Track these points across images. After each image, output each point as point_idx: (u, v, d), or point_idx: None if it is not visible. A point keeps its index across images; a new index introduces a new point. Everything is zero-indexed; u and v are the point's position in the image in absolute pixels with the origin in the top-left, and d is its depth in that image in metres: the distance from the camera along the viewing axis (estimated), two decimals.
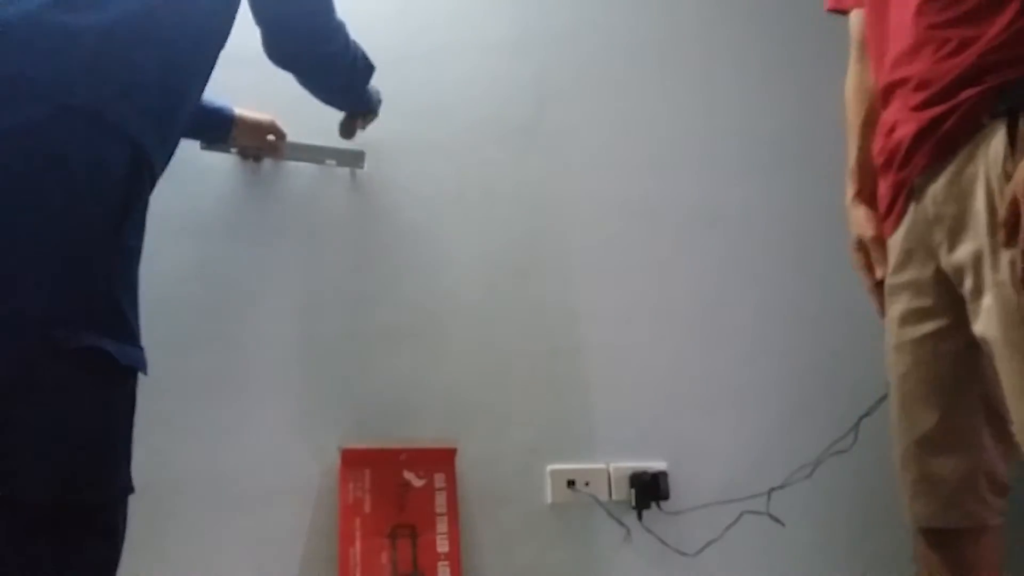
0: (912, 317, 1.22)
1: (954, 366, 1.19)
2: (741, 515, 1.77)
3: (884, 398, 1.68)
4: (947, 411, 1.19)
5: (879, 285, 1.33)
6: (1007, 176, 1.04)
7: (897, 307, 1.26)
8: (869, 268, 1.37)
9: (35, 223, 1.03)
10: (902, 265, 1.25)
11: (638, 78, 2.01)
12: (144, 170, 1.16)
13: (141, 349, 1.13)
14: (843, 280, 1.99)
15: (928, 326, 1.20)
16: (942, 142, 1.14)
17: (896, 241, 1.27)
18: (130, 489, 1.12)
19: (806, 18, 2.11)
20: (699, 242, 1.95)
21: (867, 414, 1.73)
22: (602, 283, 1.89)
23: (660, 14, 2.06)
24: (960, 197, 1.11)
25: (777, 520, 1.75)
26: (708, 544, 1.77)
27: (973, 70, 1.10)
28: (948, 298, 1.16)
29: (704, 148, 2.01)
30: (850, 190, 1.43)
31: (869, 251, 1.36)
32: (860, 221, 1.38)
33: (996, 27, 1.08)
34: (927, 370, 1.21)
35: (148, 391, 1.62)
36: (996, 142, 1.06)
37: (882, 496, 1.88)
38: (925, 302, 1.21)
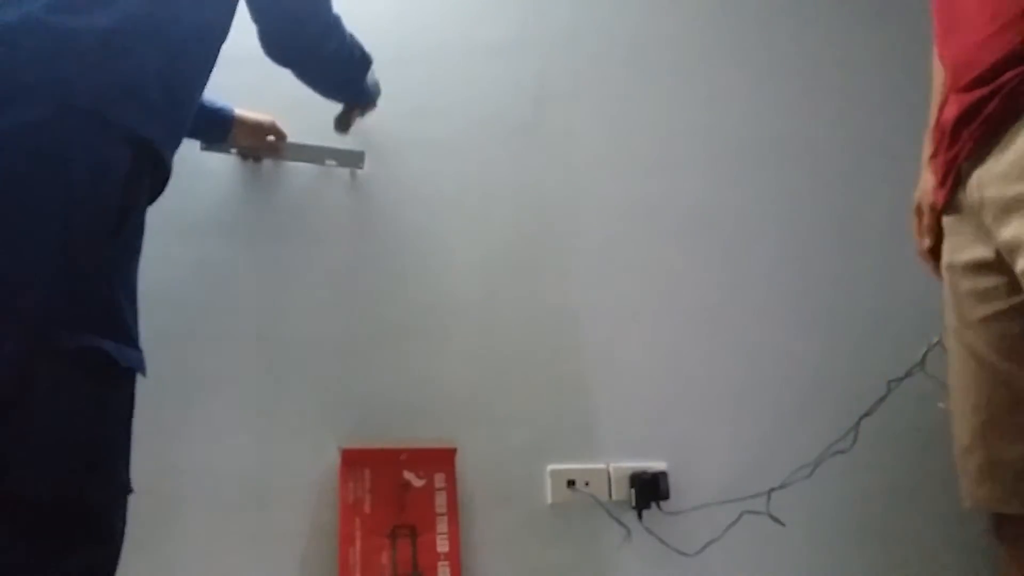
0: (975, 297, 1.19)
1: (1021, 346, 1.15)
2: (741, 515, 1.77)
3: (884, 398, 1.69)
4: (1015, 393, 1.16)
5: (930, 252, 1.32)
6: None
7: (959, 287, 1.23)
8: (923, 233, 1.35)
9: (35, 222, 1.03)
10: (961, 247, 1.22)
11: (638, 78, 2.01)
12: (146, 169, 1.16)
13: (140, 351, 1.13)
14: (843, 280, 2.00)
15: (993, 306, 1.17)
16: (984, 126, 1.11)
17: (951, 222, 1.25)
18: (129, 489, 1.12)
19: (807, 18, 2.12)
20: (699, 242, 1.95)
21: (867, 414, 1.73)
22: (602, 283, 1.88)
23: (660, 14, 2.06)
24: (1005, 181, 1.09)
25: (777, 520, 1.75)
26: (708, 544, 1.76)
27: (1018, 51, 1.06)
28: (1012, 277, 1.13)
29: (704, 148, 2.01)
30: (927, 150, 1.36)
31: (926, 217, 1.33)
32: (926, 187, 1.33)
33: None
34: (994, 351, 1.17)
35: (148, 391, 1.62)
36: None
37: (882, 496, 1.89)
38: (989, 283, 1.17)
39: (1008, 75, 1.07)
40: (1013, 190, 1.07)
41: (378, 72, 1.65)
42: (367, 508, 1.65)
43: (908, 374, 1.61)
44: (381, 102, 1.76)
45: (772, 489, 1.77)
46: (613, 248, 1.91)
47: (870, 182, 2.03)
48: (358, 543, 1.62)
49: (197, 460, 1.61)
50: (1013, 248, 1.08)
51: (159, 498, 1.57)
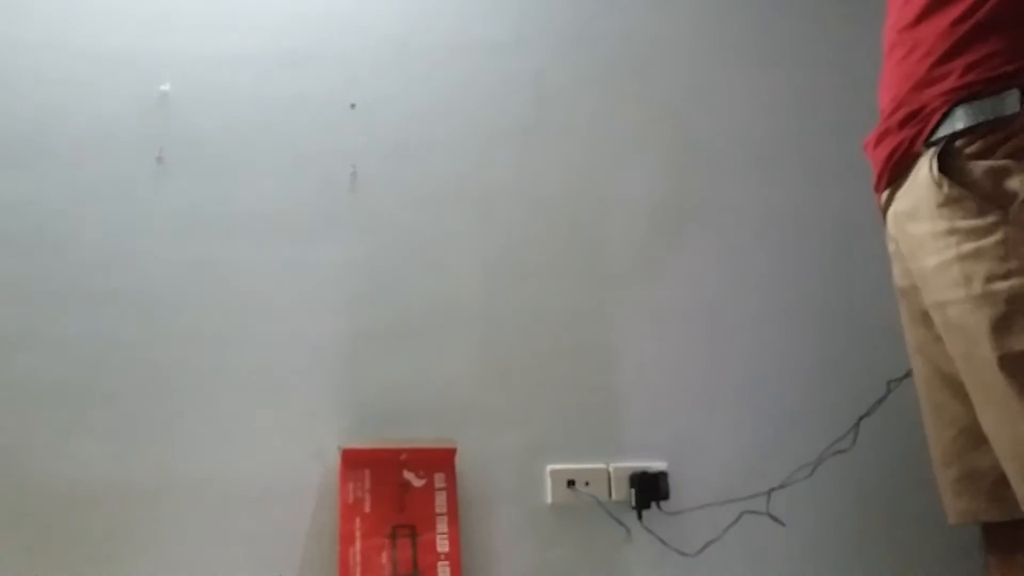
0: (922, 319, 1.22)
1: None
2: (741, 515, 1.77)
3: (884, 398, 1.70)
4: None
5: None
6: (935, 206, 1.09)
7: (907, 310, 1.26)
8: None
9: None
10: (904, 272, 1.25)
11: (638, 78, 2.01)
12: None
13: None
14: (843, 280, 2.00)
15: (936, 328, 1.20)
16: (893, 171, 1.21)
17: (895, 249, 1.28)
18: None
19: (808, 17, 2.12)
20: (699, 242, 1.95)
21: (867, 414, 1.73)
22: (602, 283, 1.88)
23: (660, 13, 2.06)
24: (908, 222, 1.17)
25: (777, 520, 1.75)
26: (708, 544, 1.76)
27: (914, 102, 1.14)
28: None
29: (704, 147, 2.01)
30: None
31: None
32: None
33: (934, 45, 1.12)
34: (948, 368, 1.20)
35: (148, 391, 1.63)
36: (924, 173, 1.11)
37: (882, 496, 1.89)
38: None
39: (908, 131, 1.16)
40: (915, 230, 1.15)
41: (380, 72, 1.65)
42: (367, 508, 1.65)
43: (908, 374, 1.60)
44: (382, 102, 1.76)
45: (772, 489, 1.77)
46: (612, 248, 1.91)
47: (870, 182, 2.02)
48: (358, 543, 1.62)
49: (197, 460, 1.61)
50: (920, 284, 1.16)
51: (159, 498, 1.57)
